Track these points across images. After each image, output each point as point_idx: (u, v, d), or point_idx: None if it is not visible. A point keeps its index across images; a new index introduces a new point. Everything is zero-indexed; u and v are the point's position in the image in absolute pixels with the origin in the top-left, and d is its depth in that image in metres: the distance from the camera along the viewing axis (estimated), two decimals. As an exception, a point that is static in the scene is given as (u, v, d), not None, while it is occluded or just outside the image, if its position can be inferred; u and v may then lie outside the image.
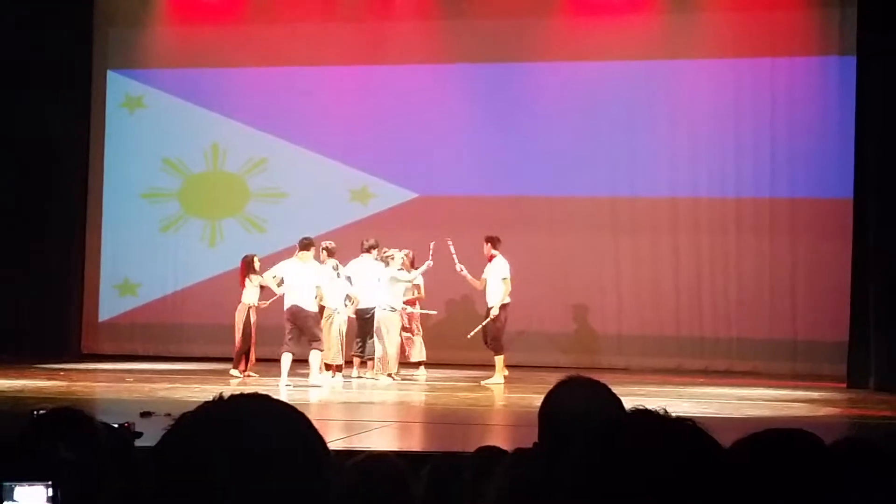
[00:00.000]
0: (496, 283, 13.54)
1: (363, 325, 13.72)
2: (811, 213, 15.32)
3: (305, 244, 13.13)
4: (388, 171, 16.51)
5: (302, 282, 12.88)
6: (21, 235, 16.16)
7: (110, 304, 17.12)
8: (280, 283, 13.22)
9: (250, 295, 13.97)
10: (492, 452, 3.97)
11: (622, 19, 16.05)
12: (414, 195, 16.45)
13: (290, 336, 12.81)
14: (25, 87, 16.22)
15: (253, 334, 13.92)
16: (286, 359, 12.70)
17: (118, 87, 17.31)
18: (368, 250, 13.84)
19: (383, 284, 13.42)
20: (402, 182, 16.50)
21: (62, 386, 12.42)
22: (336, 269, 13.54)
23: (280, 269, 13.20)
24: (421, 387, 13.33)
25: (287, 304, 12.91)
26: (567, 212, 15.98)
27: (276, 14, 16.76)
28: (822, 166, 15.28)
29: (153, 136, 17.14)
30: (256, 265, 14.04)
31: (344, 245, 15.39)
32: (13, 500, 2.38)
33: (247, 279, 14.00)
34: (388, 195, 16.51)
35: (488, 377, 13.52)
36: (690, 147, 15.79)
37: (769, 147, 15.60)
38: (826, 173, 15.21)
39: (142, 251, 16.98)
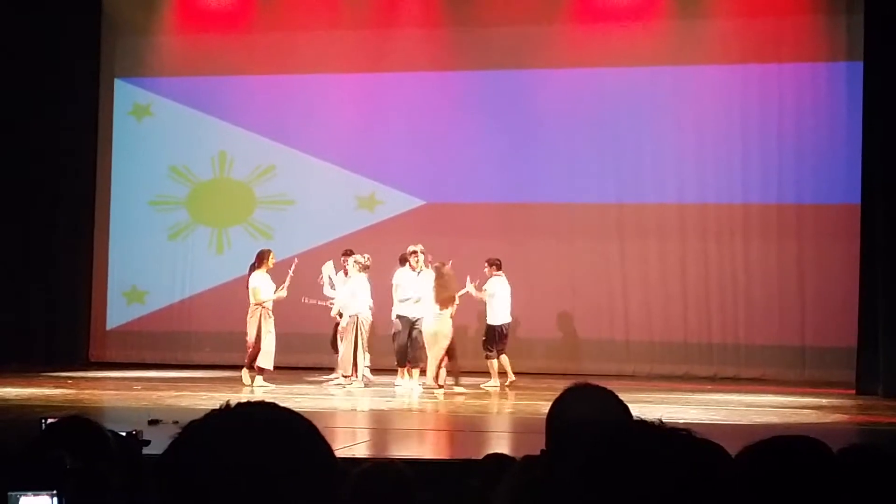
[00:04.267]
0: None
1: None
2: (819, 219, 15.29)
3: (500, 263, 13.94)
4: (395, 179, 16.51)
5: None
6: (29, 243, 16.19)
7: (118, 312, 17.13)
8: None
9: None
10: (500, 460, 3.97)
11: (629, 26, 16.03)
12: (421, 202, 16.45)
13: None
14: (33, 95, 16.24)
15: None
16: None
17: (126, 95, 17.34)
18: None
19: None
20: (410, 189, 16.50)
21: (70, 394, 12.44)
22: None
23: (491, 286, 13.89)
24: (426, 393, 13.29)
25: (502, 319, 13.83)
26: (574, 218, 15.96)
27: (283, 22, 16.77)
28: (830, 172, 15.25)
29: (161, 144, 17.16)
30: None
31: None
32: (20, 510, 2.38)
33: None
34: (396, 202, 16.51)
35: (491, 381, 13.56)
36: (697, 153, 15.77)
37: (776, 153, 15.57)
38: (833, 179, 15.18)
39: (149, 259, 16.99)
